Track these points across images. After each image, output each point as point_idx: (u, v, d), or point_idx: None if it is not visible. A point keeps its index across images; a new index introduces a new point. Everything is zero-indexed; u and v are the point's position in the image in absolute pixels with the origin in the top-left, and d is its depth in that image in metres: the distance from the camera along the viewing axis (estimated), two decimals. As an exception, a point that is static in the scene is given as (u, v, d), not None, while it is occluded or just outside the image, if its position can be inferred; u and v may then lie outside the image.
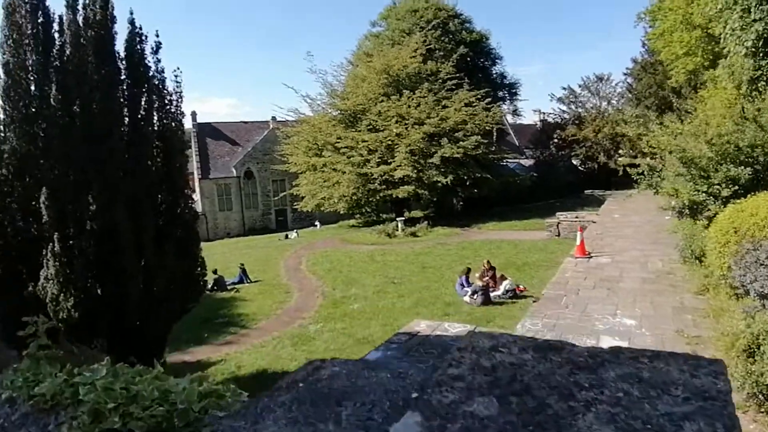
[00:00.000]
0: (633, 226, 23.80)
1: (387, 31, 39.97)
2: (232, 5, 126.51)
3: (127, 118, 8.77)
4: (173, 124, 9.15)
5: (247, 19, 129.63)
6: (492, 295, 15.59)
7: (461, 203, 35.76)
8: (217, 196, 42.67)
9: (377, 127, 31.91)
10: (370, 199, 32.33)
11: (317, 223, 40.41)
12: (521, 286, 16.24)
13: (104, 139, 8.34)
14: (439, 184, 30.86)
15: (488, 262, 17.51)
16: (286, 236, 35.55)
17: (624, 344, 9.53)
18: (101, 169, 8.26)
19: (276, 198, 43.33)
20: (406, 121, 31.61)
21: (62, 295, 7.92)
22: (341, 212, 35.51)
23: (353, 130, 32.58)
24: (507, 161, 39.36)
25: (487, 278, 16.45)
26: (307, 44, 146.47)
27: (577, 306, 12.39)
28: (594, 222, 24.54)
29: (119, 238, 8.31)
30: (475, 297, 15.67)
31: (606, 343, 9.77)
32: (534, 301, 14.22)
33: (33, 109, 8.30)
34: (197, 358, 12.78)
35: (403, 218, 31.18)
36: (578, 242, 18.62)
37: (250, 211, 43.79)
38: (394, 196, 30.83)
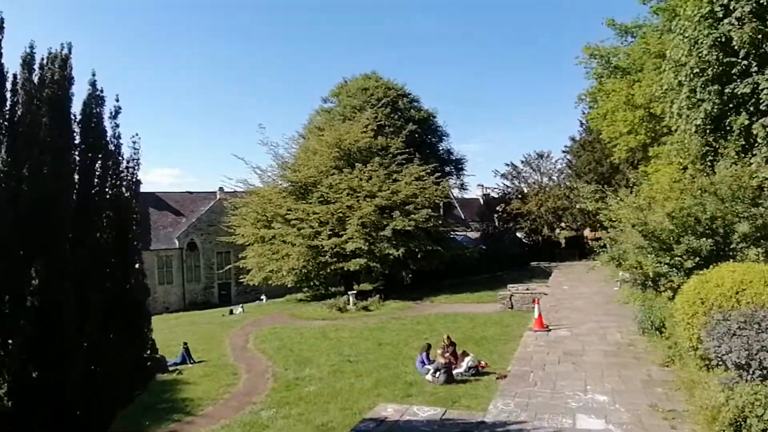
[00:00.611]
0: (583, 298, 24.30)
1: (338, 107, 40.94)
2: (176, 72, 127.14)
3: (77, 185, 8.11)
4: (128, 192, 8.54)
5: (195, 86, 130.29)
6: (454, 372, 15.07)
7: (411, 276, 35.67)
8: (158, 268, 40.50)
9: (328, 200, 31.81)
10: (321, 272, 31.59)
11: (263, 297, 38.92)
12: (483, 362, 15.83)
13: (53, 206, 7.62)
14: (391, 257, 30.73)
15: (448, 337, 17.11)
16: (231, 311, 33.82)
17: (601, 422, 9.31)
18: (48, 239, 7.48)
19: (221, 271, 41.67)
20: (358, 194, 31.75)
21: (-11, 383, 6.86)
22: (288, 285, 34.42)
23: (304, 202, 32.31)
24: (455, 234, 39.99)
25: (448, 355, 15.98)
26: (254, 116, 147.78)
27: (545, 382, 12.11)
28: (545, 294, 24.88)
29: (62, 315, 7.41)
30: (437, 375, 15.10)
31: (583, 421, 9.47)
32: (497, 378, 13.85)
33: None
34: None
35: (354, 292, 30.51)
36: (536, 315, 18.62)
37: (191, 284, 41.76)
38: (345, 268, 30.29)
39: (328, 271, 31.14)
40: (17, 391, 7.26)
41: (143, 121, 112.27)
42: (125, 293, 8.45)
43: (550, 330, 17.98)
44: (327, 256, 30.28)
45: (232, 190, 39.13)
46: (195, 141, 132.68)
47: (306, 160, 34.13)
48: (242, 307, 34.64)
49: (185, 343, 19.97)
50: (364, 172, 32.77)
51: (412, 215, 31.65)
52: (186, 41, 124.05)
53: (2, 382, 7.06)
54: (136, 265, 8.63)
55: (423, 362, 16.09)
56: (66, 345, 7.53)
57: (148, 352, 8.69)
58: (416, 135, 38.75)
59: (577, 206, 33.16)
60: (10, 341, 7.31)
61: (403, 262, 31.91)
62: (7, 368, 7.14)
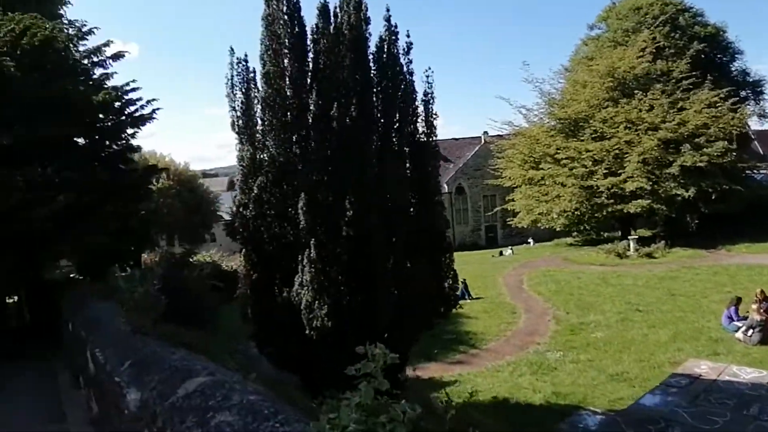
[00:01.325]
0: None
1: (607, 32, 36.23)
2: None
3: (380, 122, 8.38)
4: (426, 128, 8.52)
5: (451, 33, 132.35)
6: (772, 332, 12.32)
7: (696, 221, 30.20)
8: (430, 212, 43.10)
9: (603, 135, 28.66)
10: (595, 215, 29.07)
11: (530, 240, 38.11)
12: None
13: (360, 145, 8.03)
14: (679, 198, 26.40)
15: (762, 291, 13.98)
16: (501, 253, 34.01)
17: None
18: (357, 176, 7.94)
19: (488, 214, 42.19)
20: (638, 127, 27.84)
21: (316, 302, 7.69)
22: (557, 229, 32.79)
23: (575, 139, 29.79)
24: (755, 172, 32.25)
25: (763, 311, 13.01)
26: (513, 55, 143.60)
27: None
28: None
29: (372, 245, 7.87)
30: (750, 333, 12.57)
31: None
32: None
33: (291, 117, 8.35)
34: (429, 375, 12.04)
35: (635, 237, 27.33)
36: None
37: (460, 227, 43.36)
38: (624, 211, 27.21)
39: (604, 213, 28.39)
40: (336, 313, 8.09)
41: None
42: (427, 226, 8.60)
43: None
44: (603, 198, 27.54)
45: (497, 134, 38.61)
46: (454, 88, 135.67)
47: (575, 94, 31.23)
48: (511, 249, 34.47)
49: (464, 280, 20.58)
50: (644, 102, 28.45)
51: (704, 149, 26.42)
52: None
53: (323, 304, 7.90)
54: (436, 198, 8.71)
55: (731, 318, 13.74)
56: (377, 272, 8.00)
57: (450, 281, 8.80)
58: (702, 55, 31.78)
59: None
60: (329, 268, 8.11)
61: (692, 204, 27.15)
62: (327, 292, 7.96)
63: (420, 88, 8.66)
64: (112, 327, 5.33)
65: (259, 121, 8.65)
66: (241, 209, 8.70)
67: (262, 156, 8.61)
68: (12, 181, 10.53)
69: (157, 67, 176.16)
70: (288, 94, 8.41)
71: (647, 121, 27.74)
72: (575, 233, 34.38)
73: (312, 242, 7.76)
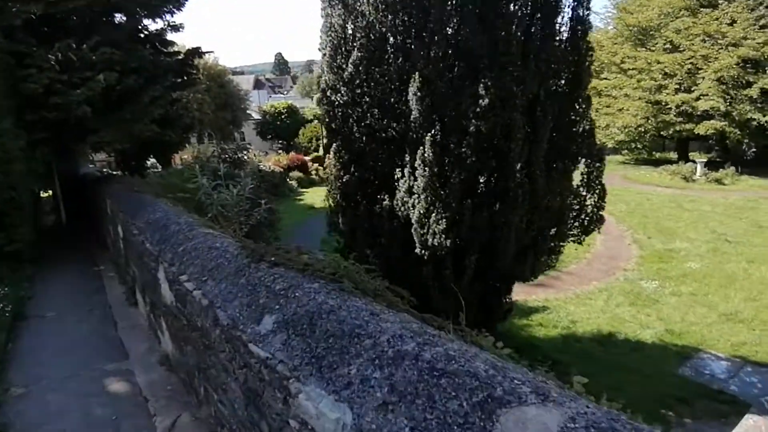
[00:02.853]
0: None
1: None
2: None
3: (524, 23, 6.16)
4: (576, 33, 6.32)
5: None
6: None
7: (754, 150, 27.39)
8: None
9: (676, 47, 25.36)
10: (661, 132, 26.43)
11: (574, 158, 35.57)
12: None
13: (498, 7, 5.86)
14: (754, 123, 23.60)
15: None
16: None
17: None
18: (493, 50, 5.84)
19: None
20: (717, 41, 24.44)
21: (433, 215, 5.90)
22: (607, 145, 30.21)
23: (644, 49, 26.52)
24: None
25: None
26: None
27: None
28: None
29: (510, 145, 5.93)
30: None
31: None
32: None
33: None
34: (514, 298, 10.53)
35: (703, 160, 24.83)
36: None
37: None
38: (694, 132, 24.54)
39: (671, 132, 25.73)
40: (454, 230, 6.40)
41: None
42: (576, 135, 6.60)
43: None
44: (671, 115, 24.80)
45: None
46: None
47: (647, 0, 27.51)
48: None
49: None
50: (726, 14, 24.83)
51: (789, 72, 23.21)
52: None
53: (441, 218, 6.16)
54: (584, 89, 6.61)
55: None
56: (509, 179, 6.14)
57: (595, 197, 6.98)
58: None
59: None
60: (449, 173, 6.26)
61: (764, 130, 24.40)
62: (444, 204, 6.19)
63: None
64: (201, 243, 3.61)
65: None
66: (328, 93, 6.73)
67: (357, 24, 6.50)
68: (40, 58, 8.61)
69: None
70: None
71: (728, 36, 24.26)
72: (625, 151, 31.80)
73: (427, 138, 5.85)
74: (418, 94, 5.86)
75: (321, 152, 38.18)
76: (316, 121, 39.52)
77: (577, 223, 7.16)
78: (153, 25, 11.48)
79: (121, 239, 6.57)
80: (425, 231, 5.94)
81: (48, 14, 9.01)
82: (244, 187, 5.15)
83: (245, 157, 10.75)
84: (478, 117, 5.82)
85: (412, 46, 6.10)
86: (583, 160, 6.80)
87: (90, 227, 10.99)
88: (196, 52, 12.56)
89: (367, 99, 6.50)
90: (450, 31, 6.02)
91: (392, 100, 6.40)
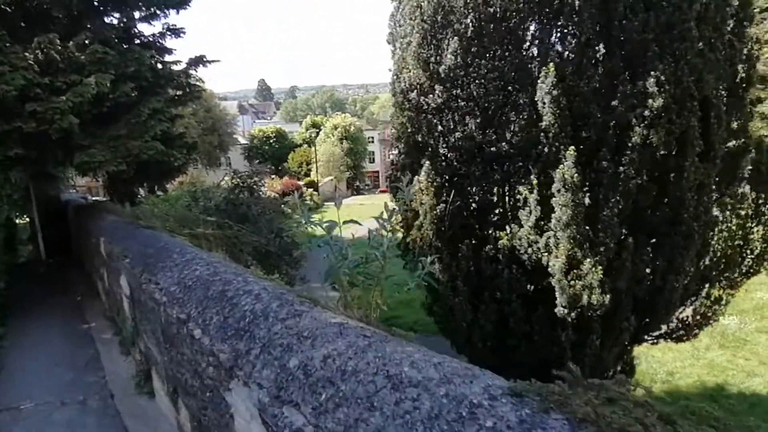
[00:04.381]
0: None
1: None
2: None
3: None
4: None
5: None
6: None
7: None
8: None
9: None
10: None
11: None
12: None
13: None
14: None
15: None
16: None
17: None
18: (664, 43, 4.06)
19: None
20: None
21: (588, 261, 4.02)
22: None
23: None
24: None
25: None
26: None
27: None
28: None
29: (677, 167, 4.13)
30: None
31: None
32: None
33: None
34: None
35: None
36: None
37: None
38: None
39: None
40: (611, 277, 4.52)
41: None
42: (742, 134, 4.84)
43: None
44: None
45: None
46: None
47: None
48: None
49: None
50: None
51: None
52: None
53: (596, 264, 4.27)
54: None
55: None
56: (683, 213, 4.30)
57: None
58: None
59: None
60: (604, 203, 4.40)
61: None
62: (593, 243, 4.31)
63: None
64: (323, 344, 1.65)
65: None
66: (412, 96, 4.84)
67: (455, 3, 4.65)
68: (14, 56, 6.53)
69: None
70: None
71: None
72: None
73: (569, 153, 4.01)
74: (554, 92, 4.03)
75: (313, 177, 36.39)
76: (305, 146, 37.62)
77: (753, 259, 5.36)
78: (150, 28, 9.53)
79: (126, 296, 4.49)
80: (571, 283, 4.05)
81: (24, 3, 7.00)
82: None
83: (261, 184, 8.96)
84: (649, 125, 4.00)
85: (541, 30, 4.29)
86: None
87: (75, 265, 8.76)
88: (199, 61, 10.53)
89: (466, 102, 4.64)
90: (594, 10, 4.23)
91: (500, 102, 4.56)
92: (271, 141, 37.58)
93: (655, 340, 5.38)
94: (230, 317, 2.21)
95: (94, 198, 13.32)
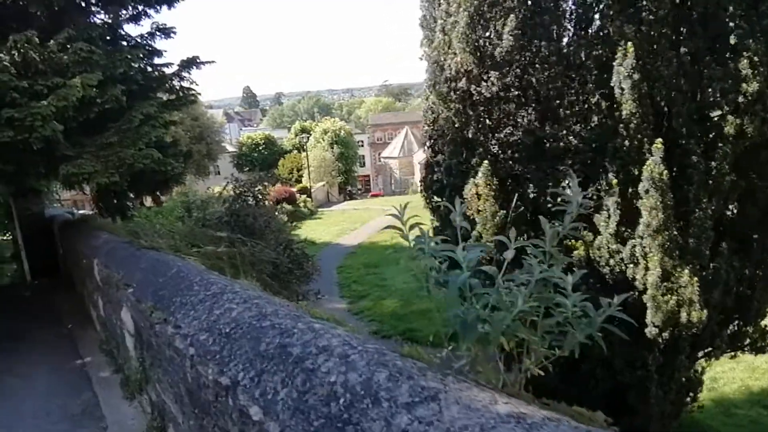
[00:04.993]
0: None
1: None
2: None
3: None
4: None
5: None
6: None
7: None
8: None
9: None
10: None
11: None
12: None
13: None
14: None
15: None
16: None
17: None
18: (755, 17, 3.45)
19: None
20: None
21: (686, 272, 3.38)
22: None
23: None
24: None
25: None
26: None
27: None
28: None
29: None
30: None
31: None
32: None
33: None
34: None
35: None
36: None
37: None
38: None
39: None
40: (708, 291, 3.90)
41: None
42: None
43: None
44: None
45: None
46: None
47: None
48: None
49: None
50: None
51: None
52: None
53: (690, 275, 3.63)
54: None
55: None
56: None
57: None
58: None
59: None
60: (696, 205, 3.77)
61: None
62: (691, 254, 3.67)
63: None
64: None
65: None
66: (461, 84, 4.16)
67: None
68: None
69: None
70: None
71: None
72: None
73: (656, 147, 3.36)
74: (634, 76, 3.38)
75: (305, 183, 35.51)
76: (295, 151, 36.77)
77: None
78: (138, 29, 8.72)
79: (129, 334, 3.74)
80: (665, 298, 3.39)
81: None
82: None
83: (267, 192, 8.28)
84: (741, 112, 3.37)
85: (611, 5, 3.63)
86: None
87: (63, 286, 7.94)
88: (192, 63, 9.73)
89: (524, 91, 3.96)
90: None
91: (563, 90, 3.90)
92: (261, 148, 36.66)
93: (734, 353, 4.76)
94: (309, 394, 1.48)
95: (80, 212, 12.42)
